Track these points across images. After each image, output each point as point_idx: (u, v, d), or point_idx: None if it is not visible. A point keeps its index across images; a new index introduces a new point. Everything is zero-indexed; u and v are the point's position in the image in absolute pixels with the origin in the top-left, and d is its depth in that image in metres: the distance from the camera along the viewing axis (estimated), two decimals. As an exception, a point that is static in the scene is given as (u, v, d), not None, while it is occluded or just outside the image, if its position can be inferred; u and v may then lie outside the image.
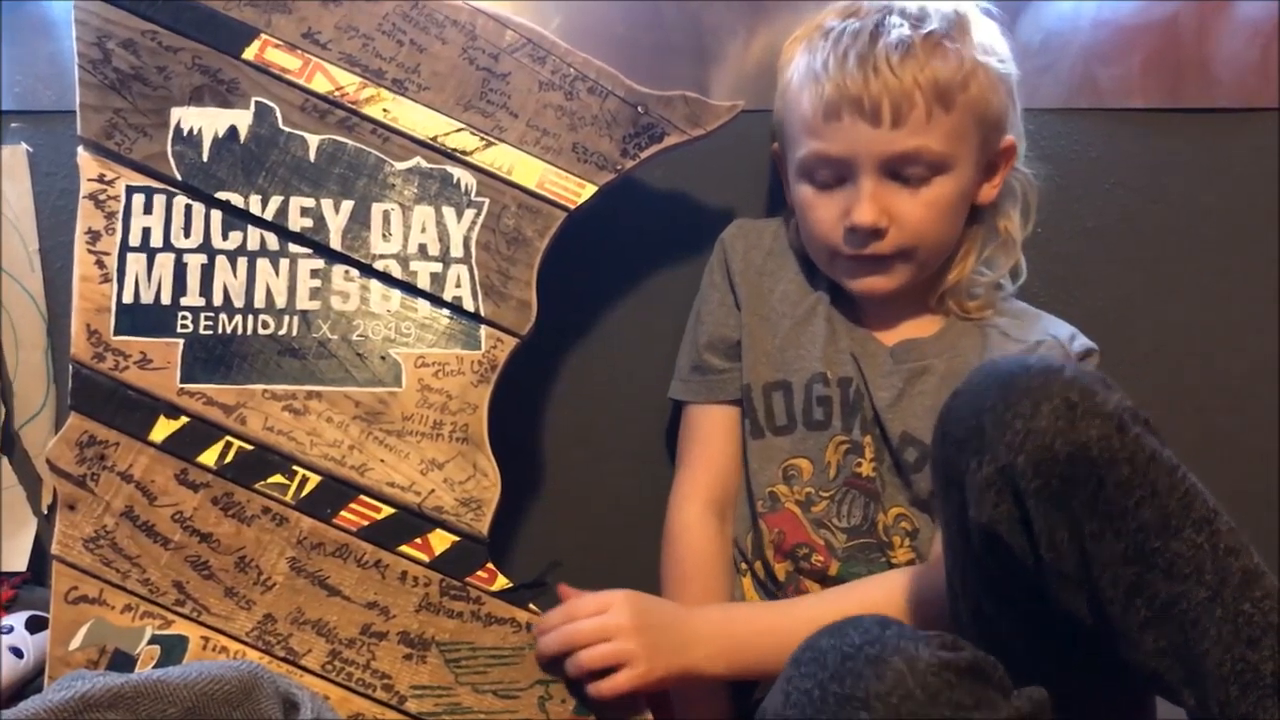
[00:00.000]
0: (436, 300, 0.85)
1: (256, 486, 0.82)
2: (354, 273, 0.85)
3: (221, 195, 0.84)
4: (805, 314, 0.92)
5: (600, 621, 0.78)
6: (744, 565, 0.92)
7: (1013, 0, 1.00)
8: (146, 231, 0.83)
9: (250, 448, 0.82)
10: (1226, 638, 0.59)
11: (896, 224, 0.85)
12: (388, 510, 0.82)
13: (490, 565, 0.83)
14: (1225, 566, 0.60)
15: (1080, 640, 0.65)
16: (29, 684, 0.87)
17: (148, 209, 0.83)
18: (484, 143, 0.86)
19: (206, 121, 0.84)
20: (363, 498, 0.82)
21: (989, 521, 0.64)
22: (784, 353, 0.91)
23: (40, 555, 1.00)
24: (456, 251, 0.85)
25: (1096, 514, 0.61)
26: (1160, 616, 0.61)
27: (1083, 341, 0.88)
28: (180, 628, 0.81)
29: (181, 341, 0.83)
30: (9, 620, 0.90)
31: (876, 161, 0.84)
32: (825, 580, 0.88)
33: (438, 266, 0.85)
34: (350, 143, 0.85)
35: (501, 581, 0.82)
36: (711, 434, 0.94)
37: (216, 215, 0.84)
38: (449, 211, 0.85)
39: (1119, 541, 0.61)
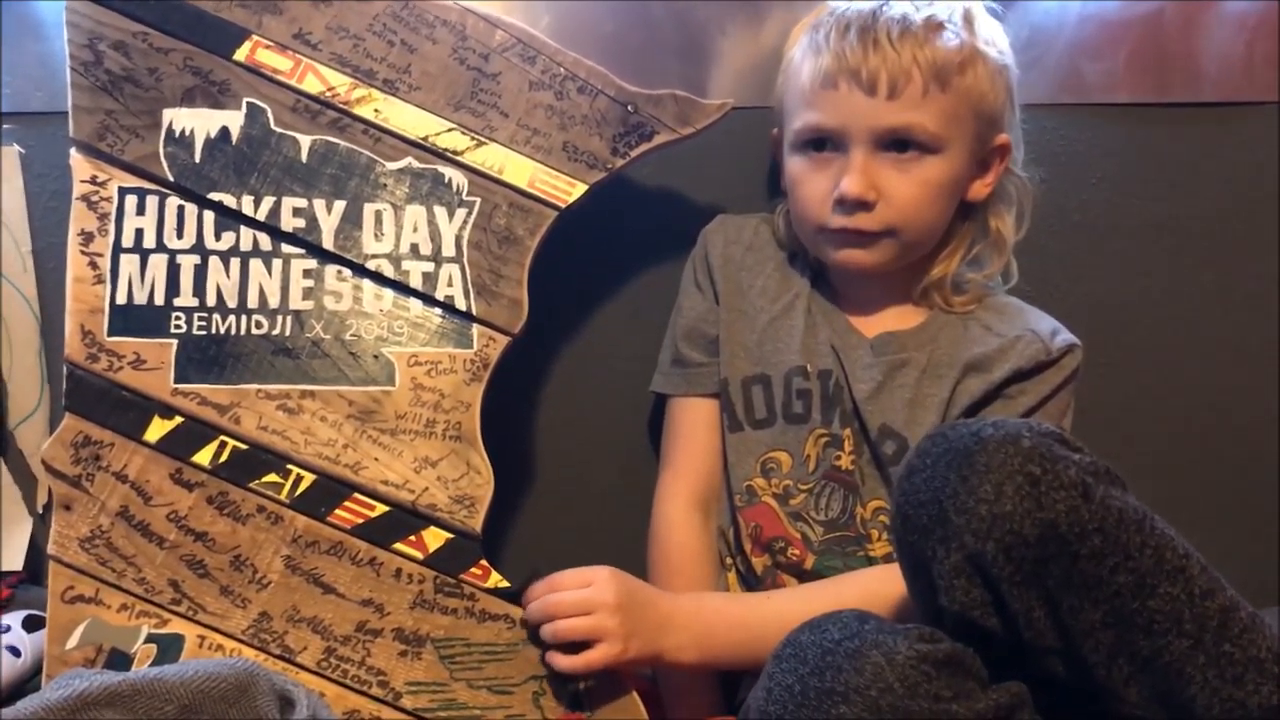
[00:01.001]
0: (429, 299, 0.85)
1: (251, 485, 0.82)
2: (346, 272, 0.85)
3: (214, 196, 0.84)
4: (784, 308, 0.92)
5: (583, 595, 0.79)
6: (729, 560, 0.93)
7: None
8: (139, 232, 0.84)
9: (244, 447, 0.83)
10: (1213, 681, 0.60)
11: (884, 199, 0.85)
12: (382, 508, 0.83)
13: (484, 562, 0.83)
14: (1203, 612, 0.60)
15: (1060, 693, 0.65)
16: (27, 683, 0.88)
17: (140, 210, 0.84)
18: (475, 142, 0.86)
19: (198, 122, 0.84)
20: (357, 496, 0.83)
21: (961, 608, 0.63)
22: (762, 346, 0.91)
23: (36, 554, 1.00)
24: (448, 251, 0.86)
25: (1072, 588, 0.61)
26: (1144, 670, 0.61)
27: (1065, 337, 0.88)
28: (176, 626, 0.81)
29: (175, 342, 0.83)
30: (6, 619, 0.91)
31: (869, 134, 0.84)
32: (801, 574, 0.88)
33: (430, 266, 0.85)
34: (342, 143, 0.85)
35: (495, 578, 0.83)
36: (694, 429, 0.94)
37: (209, 216, 0.84)
38: (440, 211, 0.86)
39: (1097, 610, 0.61)
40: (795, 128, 0.88)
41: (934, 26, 0.84)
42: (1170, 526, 0.63)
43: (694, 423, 0.95)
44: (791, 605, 0.80)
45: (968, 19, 0.87)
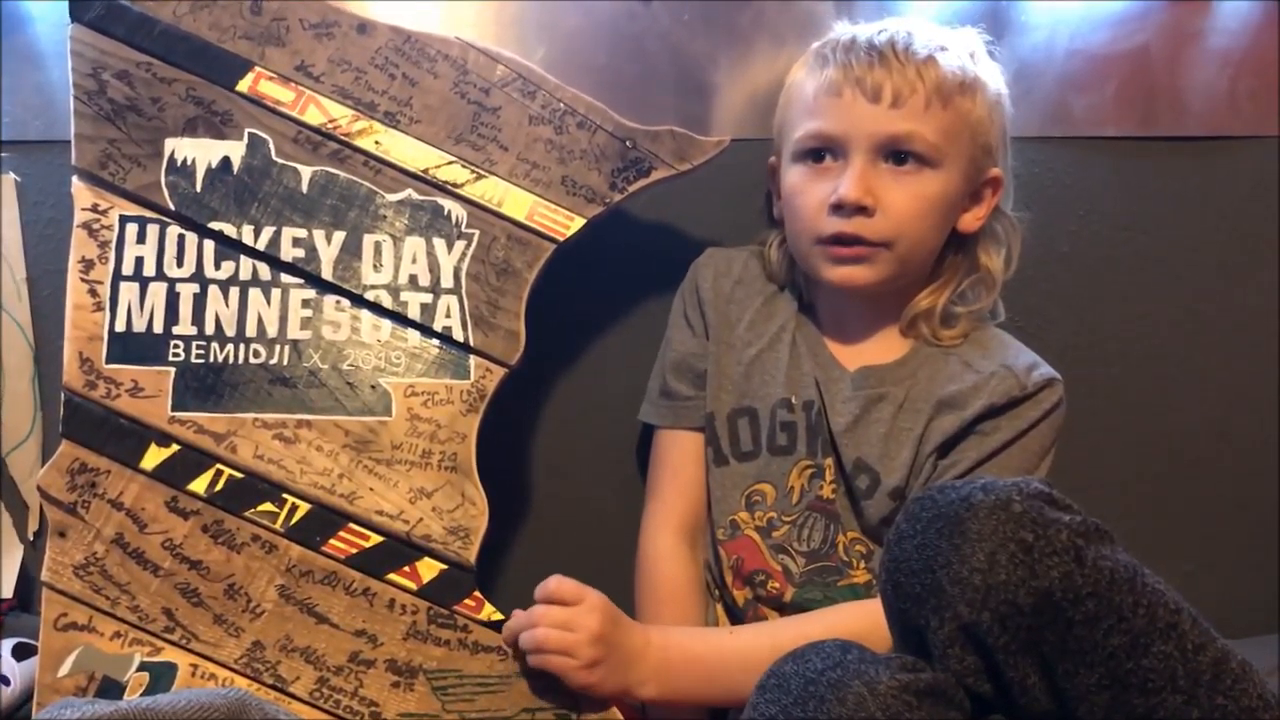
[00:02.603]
0: (426, 330, 0.86)
1: (246, 514, 0.82)
2: (345, 303, 0.85)
3: (214, 225, 0.85)
4: (770, 341, 0.93)
5: (569, 614, 0.79)
6: (716, 591, 0.94)
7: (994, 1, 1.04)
8: (139, 260, 0.84)
9: (240, 476, 0.83)
10: None
11: (882, 209, 0.85)
12: (376, 538, 0.83)
13: (477, 593, 0.83)
14: (1195, 667, 0.60)
15: None
16: (16, 711, 0.87)
17: (141, 238, 0.84)
18: (474, 175, 0.87)
19: (200, 152, 0.85)
20: (351, 526, 0.83)
21: (955, 675, 0.63)
22: (749, 380, 0.92)
23: (26, 582, 1.00)
24: (447, 282, 0.86)
25: (1067, 653, 0.61)
26: None
27: (1043, 371, 0.88)
28: (169, 655, 0.81)
29: (173, 370, 0.83)
30: (-5, 647, 0.90)
31: (870, 141, 0.85)
32: (781, 607, 0.89)
33: (428, 297, 0.86)
34: (342, 174, 0.86)
35: (489, 610, 0.83)
36: (682, 462, 0.95)
37: (209, 245, 0.85)
38: (439, 243, 0.86)
39: (1092, 673, 0.61)
40: (796, 136, 0.88)
41: (940, 49, 0.86)
42: (1160, 579, 0.63)
43: (681, 455, 0.95)
44: (758, 642, 0.81)
45: (971, 51, 0.89)
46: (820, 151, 0.87)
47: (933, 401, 0.87)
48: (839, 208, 0.85)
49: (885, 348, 0.92)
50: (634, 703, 0.84)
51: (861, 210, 0.85)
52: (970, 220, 0.91)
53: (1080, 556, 0.60)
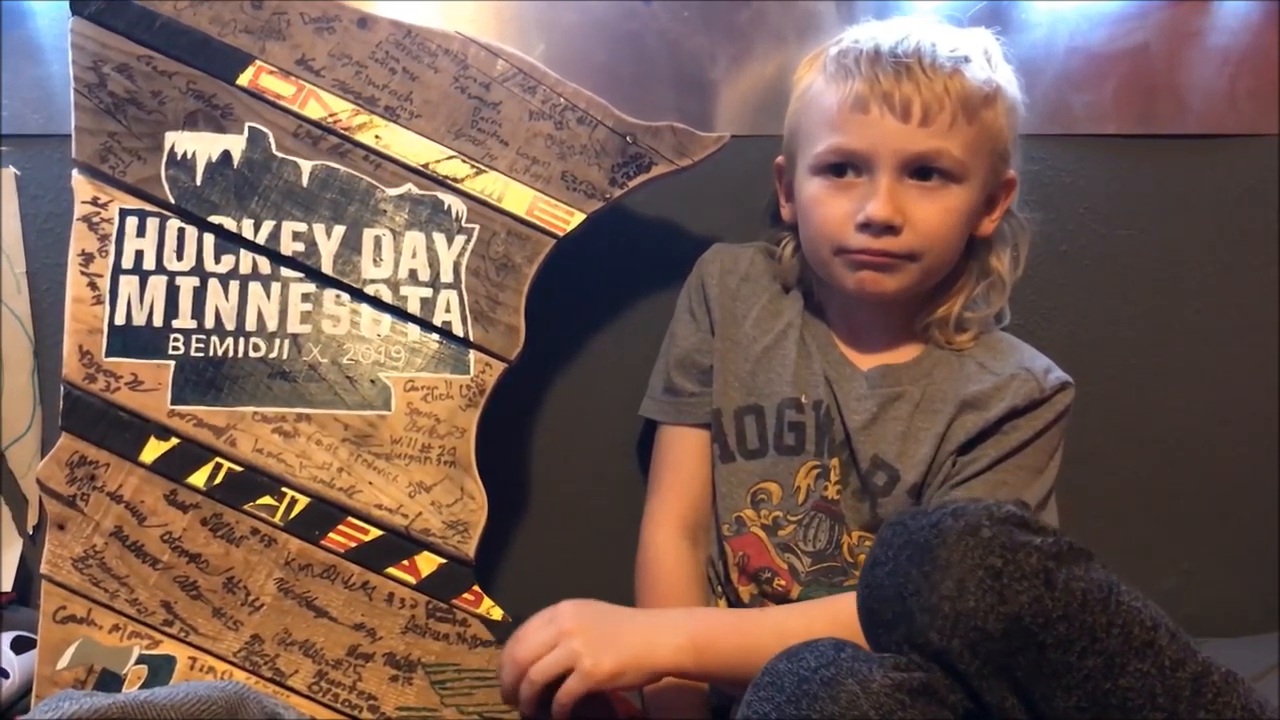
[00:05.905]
0: (426, 325, 0.86)
1: (245, 508, 0.83)
2: (345, 297, 0.86)
3: (214, 219, 0.85)
4: (777, 339, 0.93)
5: (543, 635, 0.77)
6: (719, 587, 0.93)
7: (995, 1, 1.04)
8: (139, 254, 0.84)
9: (240, 469, 0.83)
10: None
11: (910, 225, 0.84)
12: (375, 532, 0.83)
13: (476, 588, 0.83)
14: (1174, 684, 0.60)
15: None
16: (15, 704, 0.87)
17: (141, 232, 0.84)
18: (474, 170, 0.87)
19: (200, 146, 0.85)
20: (351, 520, 0.83)
21: None
22: (755, 377, 0.92)
23: (25, 575, 1.00)
24: (446, 277, 0.86)
25: (1042, 677, 0.60)
26: None
27: (1057, 375, 0.88)
28: (168, 648, 0.81)
29: (173, 363, 0.83)
30: (-6, 641, 0.90)
31: (898, 159, 0.84)
32: (787, 603, 0.88)
33: (428, 291, 0.86)
34: (342, 169, 0.86)
35: (487, 604, 0.83)
36: (684, 458, 0.95)
37: (209, 239, 0.85)
38: (439, 237, 0.86)
39: (1070, 696, 0.60)
40: (818, 150, 0.87)
41: (964, 60, 0.85)
42: (1138, 596, 0.62)
43: (684, 451, 0.95)
44: (788, 618, 0.80)
45: (990, 56, 0.88)
46: (843, 166, 0.86)
47: (954, 402, 0.87)
48: (867, 226, 0.85)
49: (896, 348, 0.92)
50: (670, 675, 0.81)
51: (889, 229, 0.84)
52: (987, 224, 0.91)
53: (1050, 580, 0.60)
